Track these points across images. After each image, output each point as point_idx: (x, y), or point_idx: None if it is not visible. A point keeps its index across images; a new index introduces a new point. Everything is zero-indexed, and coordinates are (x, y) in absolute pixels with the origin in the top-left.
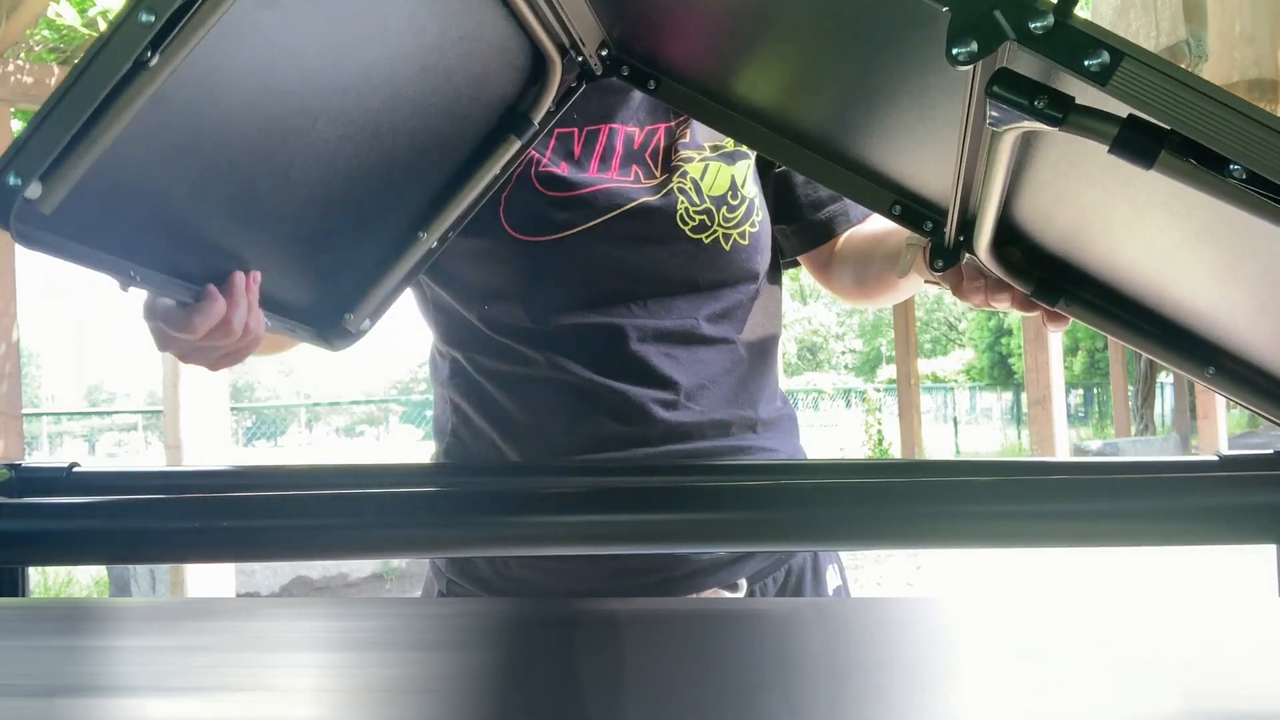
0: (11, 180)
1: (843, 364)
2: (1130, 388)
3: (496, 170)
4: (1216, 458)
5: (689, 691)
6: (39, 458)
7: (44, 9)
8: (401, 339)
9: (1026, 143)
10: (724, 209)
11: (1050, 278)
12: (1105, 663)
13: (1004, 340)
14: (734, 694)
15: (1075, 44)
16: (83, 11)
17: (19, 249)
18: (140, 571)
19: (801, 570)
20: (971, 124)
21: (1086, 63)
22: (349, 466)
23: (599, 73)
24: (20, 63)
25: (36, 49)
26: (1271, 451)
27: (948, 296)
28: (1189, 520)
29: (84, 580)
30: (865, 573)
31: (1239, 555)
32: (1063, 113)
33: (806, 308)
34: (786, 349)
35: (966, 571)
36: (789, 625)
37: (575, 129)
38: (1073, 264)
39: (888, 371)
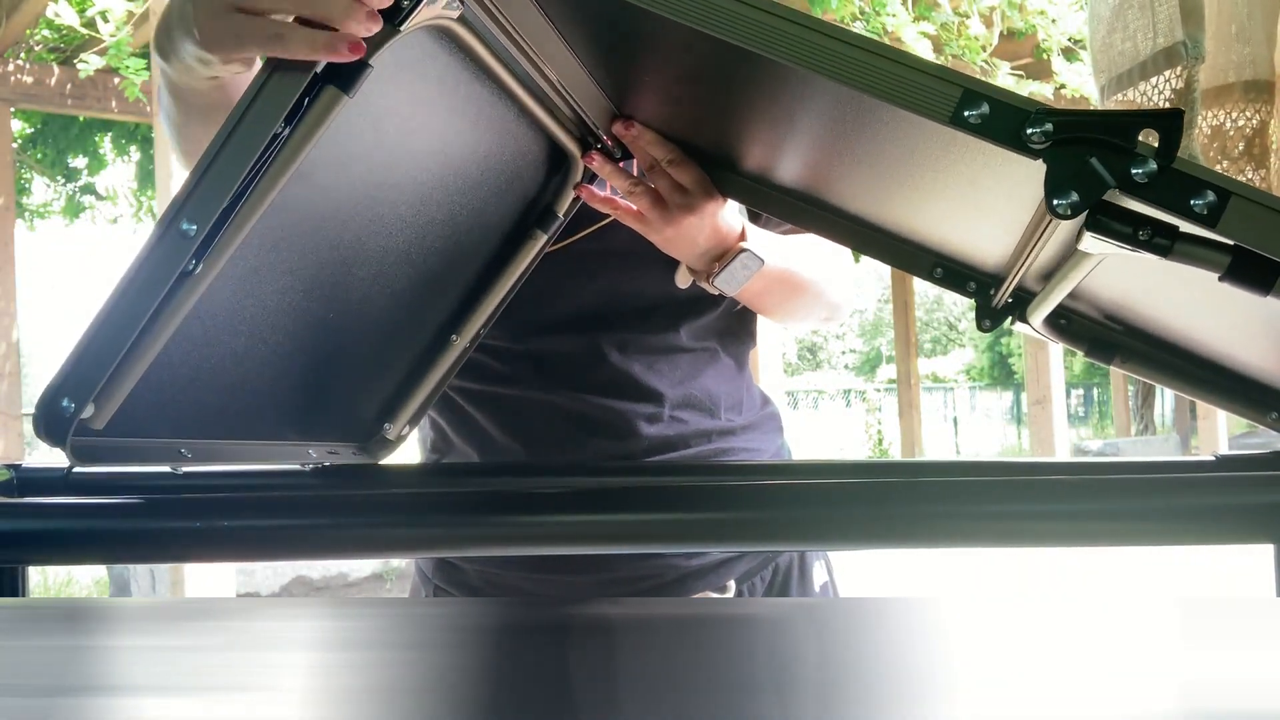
0: (65, 404)
1: (843, 364)
2: (1130, 388)
3: (524, 266)
4: (1214, 458)
5: (682, 690)
6: (39, 458)
7: (44, 9)
8: None
9: None
10: None
11: (1103, 335)
12: (1104, 663)
13: (1004, 340)
14: (725, 694)
15: (1180, 187)
16: (82, 11)
17: (18, 247)
18: (140, 571)
19: (788, 568)
20: (1056, 230)
21: (1193, 203)
22: (348, 467)
23: (618, 156)
24: (20, 63)
25: (36, 49)
26: (1269, 451)
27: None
28: (1187, 520)
29: (84, 580)
30: (856, 567)
31: (1239, 555)
32: (1170, 241)
33: None
34: (786, 349)
35: (960, 571)
36: (781, 626)
37: None
38: (1126, 322)
39: (888, 371)
